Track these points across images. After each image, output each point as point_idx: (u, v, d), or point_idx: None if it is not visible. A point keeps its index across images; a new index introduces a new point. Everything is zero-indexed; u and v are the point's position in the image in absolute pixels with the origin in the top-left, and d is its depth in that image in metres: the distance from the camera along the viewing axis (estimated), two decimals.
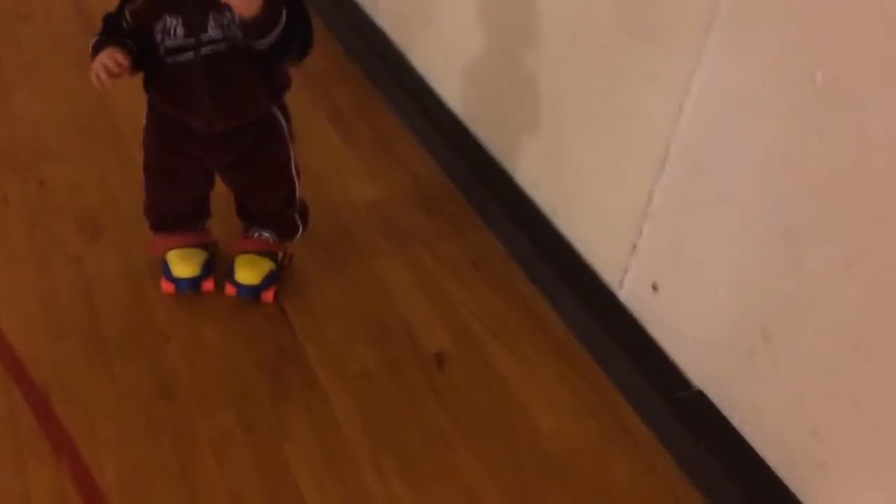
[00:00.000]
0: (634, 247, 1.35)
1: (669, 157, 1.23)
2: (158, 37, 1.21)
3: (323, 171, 1.79)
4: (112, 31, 1.23)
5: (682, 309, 1.30)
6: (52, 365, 1.37)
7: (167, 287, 1.48)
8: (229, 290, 1.49)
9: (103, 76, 1.18)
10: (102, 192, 1.68)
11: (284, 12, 1.13)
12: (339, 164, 1.85)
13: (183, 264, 1.46)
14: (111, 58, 1.17)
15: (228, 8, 1.13)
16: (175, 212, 1.46)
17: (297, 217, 1.47)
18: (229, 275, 1.49)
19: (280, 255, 1.52)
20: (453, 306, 1.55)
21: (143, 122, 1.37)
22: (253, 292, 1.48)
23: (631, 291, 1.39)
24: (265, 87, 1.29)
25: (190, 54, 1.22)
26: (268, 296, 1.49)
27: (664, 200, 1.27)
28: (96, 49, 1.21)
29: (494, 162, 1.73)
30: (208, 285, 1.49)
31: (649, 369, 1.32)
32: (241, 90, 1.26)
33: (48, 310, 1.44)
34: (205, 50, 1.21)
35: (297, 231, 1.49)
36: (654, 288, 1.33)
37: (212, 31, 1.20)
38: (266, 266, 1.48)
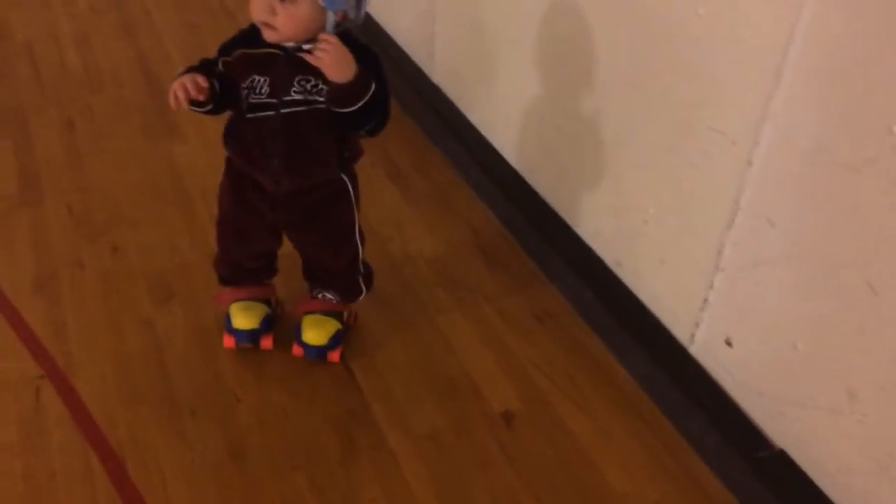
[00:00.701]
0: (706, 300, 1.33)
1: (740, 209, 1.21)
2: (244, 92, 1.26)
3: (383, 227, 1.81)
4: (202, 68, 1.26)
5: (758, 364, 1.26)
6: (126, 428, 1.39)
7: (228, 340, 1.50)
8: (297, 350, 1.50)
9: (180, 95, 1.20)
10: (172, 256, 1.73)
11: (374, 86, 1.17)
12: (399, 219, 1.86)
13: (243, 316, 1.48)
14: (192, 79, 1.20)
15: (319, 73, 1.17)
16: (242, 266, 1.50)
17: (360, 280, 1.49)
18: (296, 335, 1.50)
19: (345, 314, 1.54)
20: (519, 362, 1.54)
21: (221, 176, 1.41)
22: (320, 353, 1.49)
23: (703, 346, 1.36)
24: (336, 154, 1.31)
25: (270, 112, 1.25)
26: (334, 356, 1.50)
27: (736, 253, 1.24)
28: (181, 75, 1.24)
29: (555, 214, 1.72)
30: (267, 342, 1.51)
31: (726, 427, 1.29)
32: (312, 153, 1.29)
33: (122, 373, 1.47)
34: (285, 110, 1.25)
35: (360, 293, 1.51)
36: (728, 343, 1.30)
37: (294, 94, 1.23)
38: (332, 326, 1.49)
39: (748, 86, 1.14)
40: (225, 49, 1.27)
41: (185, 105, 1.20)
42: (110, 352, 1.51)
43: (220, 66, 1.27)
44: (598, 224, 1.60)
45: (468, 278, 1.72)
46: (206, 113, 1.27)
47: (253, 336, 1.49)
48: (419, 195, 1.95)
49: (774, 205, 1.15)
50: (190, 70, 1.25)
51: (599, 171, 1.54)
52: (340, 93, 1.18)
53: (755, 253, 1.21)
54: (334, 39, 1.15)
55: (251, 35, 1.23)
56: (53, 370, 1.47)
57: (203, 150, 2.01)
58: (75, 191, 1.89)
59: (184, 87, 1.19)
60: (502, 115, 1.87)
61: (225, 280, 1.52)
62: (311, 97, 1.23)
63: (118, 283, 1.66)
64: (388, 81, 1.24)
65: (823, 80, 1.04)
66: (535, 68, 1.68)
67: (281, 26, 1.16)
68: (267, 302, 1.52)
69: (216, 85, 1.25)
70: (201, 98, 1.21)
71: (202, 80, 1.20)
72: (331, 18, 1.16)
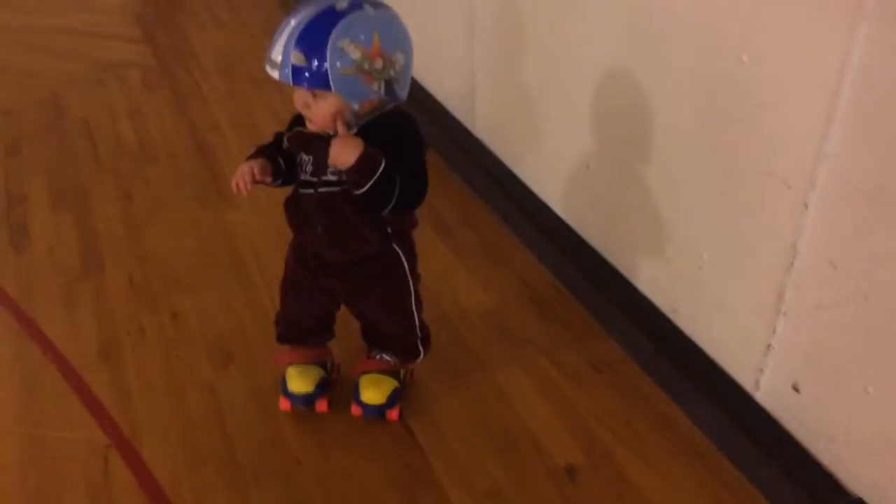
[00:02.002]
0: (769, 346, 1.30)
1: (798, 253, 1.20)
2: (298, 168, 1.32)
3: (434, 283, 1.82)
4: (266, 147, 1.34)
5: (828, 409, 1.23)
6: (192, 493, 1.40)
7: (283, 403, 1.51)
8: (355, 410, 1.51)
9: (240, 184, 1.28)
10: (229, 320, 1.76)
11: (381, 169, 1.18)
12: (449, 275, 1.88)
13: (299, 380, 1.49)
14: (249, 168, 1.28)
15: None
16: (300, 326, 1.52)
17: (418, 342, 1.50)
18: (354, 395, 1.51)
19: (402, 372, 1.54)
20: (578, 414, 1.52)
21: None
22: (378, 411, 1.49)
23: (769, 392, 1.34)
24: (376, 230, 1.32)
25: (311, 190, 1.30)
26: (393, 414, 1.50)
27: (798, 297, 1.23)
28: (247, 158, 1.32)
29: (606, 263, 1.72)
30: (322, 405, 1.51)
31: (799, 475, 1.25)
32: (351, 229, 1.31)
33: (186, 438, 1.49)
34: (322, 189, 1.29)
35: (418, 355, 1.51)
36: (796, 388, 1.27)
37: (330, 175, 1.27)
38: (390, 385, 1.50)
39: (799, 129, 1.14)
40: (290, 124, 1.33)
41: (243, 192, 1.28)
42: (173, 417, 1.53)
43: (284, 141, 1.32)
44: (651, 271, 1.59)
45: (522, 331, 1.71)
46: (274, 186, 1.34)
47: (308, 399, 1.50)
48: (469, 249, 1.97)
49: (835, 247, 1.14)
50: (260, 148, 1.33)
51: (649, 219, 1.54)
52: (347, 176, 1.21)
53: (818, 296, 1.19)
54: (341, 134, 1.19)
55: None
56: (119, 438, 1.49)
57: (254, 215, 2.06)
58: (134, 260, 1.95)
59: (241, 175, 1.27)
60: (547, 167, 1.89)
61: (282, 338, 1.54)
62: (343, 178, 1.26)
63: (179, 349, 1.69)
64: (418, 158, 1.25)
65: (878, 118, 1.04)
66: (578, 120, 1.70)
67: (315, 118, 1.21)
68: (323, 365, 1.54)
69: (282, 163, 1.32)
70: (265, 180, 1.30)
71: (258, 171, 1.28)
72: (355, 108, 1.20)
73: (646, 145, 1.49)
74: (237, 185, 1.28)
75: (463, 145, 2.20)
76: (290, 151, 1.33)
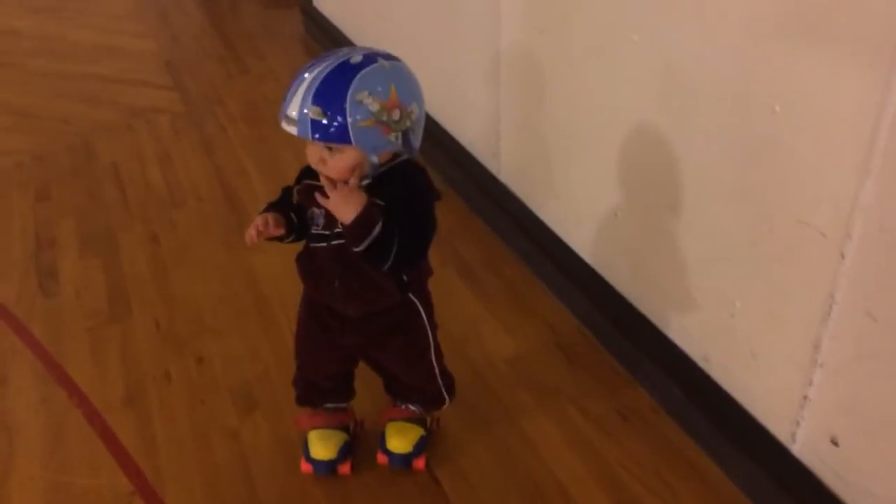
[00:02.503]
0: (805, 398, 1.27)
1: (835, 303, 1.18)
2: (309, 221, 1.31)
3: (458, 328, 1.81)
4: (279, 201, 1.34)
5: (869, 463, 1.20)
6: None
7: (305, 467, 1.48)
8: (381, 459, 1.49)
9: (252, 233, 1.28)
10: (255, 366, 1.76)
11: (380, 225, 1.17)
12: (474, 320, 1.86)
13: (321, 446, 1.46)
14: (264, 219, 1.28)
15: None
16: (318, 386, 1.49)
17: (442, 390, 1.48)
18: (380, 444, 1.49)
19: (428, 419, 1.52)
20: (607, 464, 1.49)
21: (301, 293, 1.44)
22: (405, 461, 1.47)
23: (806, 445, 1.30)
24: (393, 279, 1.30)
25: (323, 244, 1.29)
26: (419, 463, 1.48)
27: (835, 349, 1.20)
28: (260, 213, 1.32)
29: (634, 310, 1.70)
30: (345, 469, 1.48)
31: None
32: (367, 281, 1.29)
33: (210, 486, 1.48)
34: (335, 242, 1.27)
35: (443, 403, 1.49)
36: (834, 442, 1.24)
37: (341, 227, 1.24)
38: (416, 433, 1.48)
39: (834, 178, 1.13)
40: (298, 178, 1.33)
41: (255, 241, 1.28)
42: (198, 464, 1.52)
43: (295, 195, 1.32)
44: (681, 319, 1.57)
45: (548, 378, 1.69)
46: (287, 242, 1.34)
47: (330, 466, 1.47)
48: (493, 294, 1.96)
49: (873, 297, 1.12)
50: (270, 205, 1.33)
51: (679, 266, 1.53)
52: (345, 230, 1.20)
53: (857, 347, 1.16)
54: (343, 183, 1.18)
55: None
56: (143, 485, 1.48)
57: (280, 259, 2.05)
58: (161, 304, 1.96)
59: (255, 227, 1.28)
60: (573, 213, 1.89)
61: (301, 400, 1.51)
62: None
63: (204, 395, 1.68)
64: (424, 215, 1.24)
65: None
66: (605, 166, 1.69)
67: (331, 172, 1.19)
68: (345, 429, 1.51)
69: (294, 218, 1.31)
70: (279, 233, 1.30)
71: (272, 223, 1.28)
72: (373, 161, 1.20)
73: (675, 193, 1.49)
74: (250, 234, 1.28)
75: (487, 189, 2.20)
76: (300, 206, 1.32)
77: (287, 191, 1.35)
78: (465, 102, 2.23)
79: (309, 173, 1.28)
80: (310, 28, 3.67)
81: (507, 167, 2.18)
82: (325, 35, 3.43)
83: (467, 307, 1.90)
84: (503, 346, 1.79)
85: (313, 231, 1.30)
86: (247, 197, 2.41)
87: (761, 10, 1.20)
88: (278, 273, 2.02)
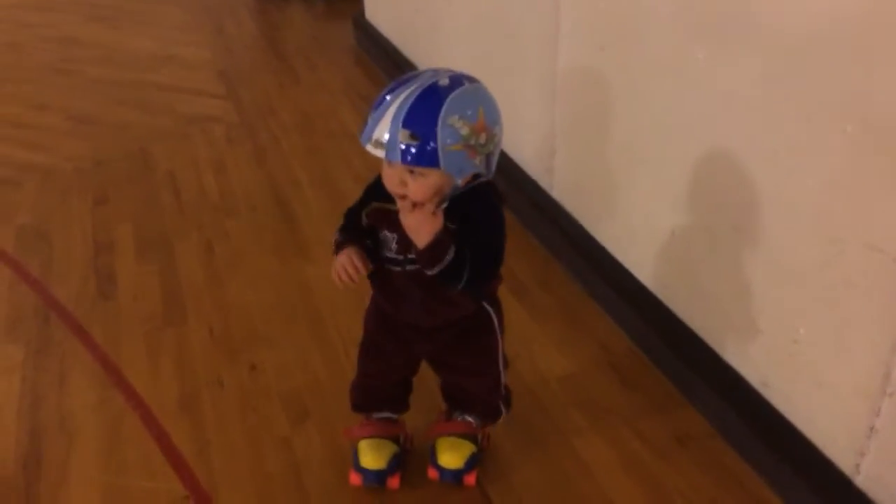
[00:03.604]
0: (872, 428, 1.24)
1: None
2: (381, 243, 1.30)
3: (510, 345, 1.77)
4: (351, 228, 1.32)
5: None
6: None
7: (354, 478, 1.48)
8: (432, 474, 1.48)
9: (344, 277, 1.27)
10: (306, 375, 1.77)
11: (452, 251, 1.17)
12: (527, 338, 1.85)
13: (372, 455, 1.46)
14: (350, 262, 1.26)
15: None
16: (378, 393, 1.50)
17: (501, 403, 1.47)
18: (431, 458, 1.49)
19: (480, 436, 1.51)
20: (662, 488, 1.47)
21: (368, 301, 1.44)
22: (456, 476, 1.46)
23: (872, 478, 1.26)
24: (468, 295, 1.31)
25: (398, 268, 1.29)
26: (470, 479, 1.47)
27: None
28: (338, 246, 1.30)
29: (691, 332, 1.68)
30: (394, 482, 1.47)
31: None
32: (443, 299, 1.30)
33: (263, 494, 1.49)
34: (410, 267, 1.27)
35: (500, 416, 1.49)
36: None
37: (414, 253, 1.23)
38: (468, 449, 1.47)
39: None
40: (365, 199, 1.31)
41: (349, 286, 1.28)
42: (251, 472, 1.53)
43: (364, 218, 1.31)
44: (740, 343, 1.54)
45: (602, 398, 1.67)
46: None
47: (380, 476, 1.47)
48: (545, 311, 1.94)
49: None
50: (342, 232, 1.31)
51: (740, 288, 1.50)
52: (418, 254, 1.19)
53: None
54: (423, 205, 1.16)
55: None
56: (198, 491, 1.50)
57: (331, 270, 2.08)
58: (215, 311, 1.98)
59: (345, 271, 1.27)
60: (628, 231, 1.87)
61: (357, 406, 1.52)
62: None
63: (256, 402, 1.70)
64: (496, 237, 1.23)
65: None
66: (664, 185, 1.68)
67: (413, 195, 1.17)
68: (396, 440, 1.50)
69: (371, 246, 1.30)
70: (368, 270, 1.29)
71: (360, 263, 1.26)
72: (458, 184, 1.19)
73: (739, 213, 1.46)
74: (341, 278, 1.27)
75: (540, 206, 2.19)
76: (370, 228, 1.31)
77: (352, 214, 1.33)
78: (519, 117, 2.22)
79: (377, 194, 1.27)
80: (361, 40, 3.71)
81: (560, 184, 2.17)
82: (377, 47, 3.47)
83: (520, 325, 1.89)
84: (555, 365, 1.77)
85: (385, 255, 1.30)
86: (299, 207, 2.43)
87: (832, 26, 1.18)
88: (329, 284, 1.99)
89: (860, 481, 1.29)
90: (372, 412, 1.51)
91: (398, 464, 1.49)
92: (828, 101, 1.22)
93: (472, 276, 1.20)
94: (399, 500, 1.47)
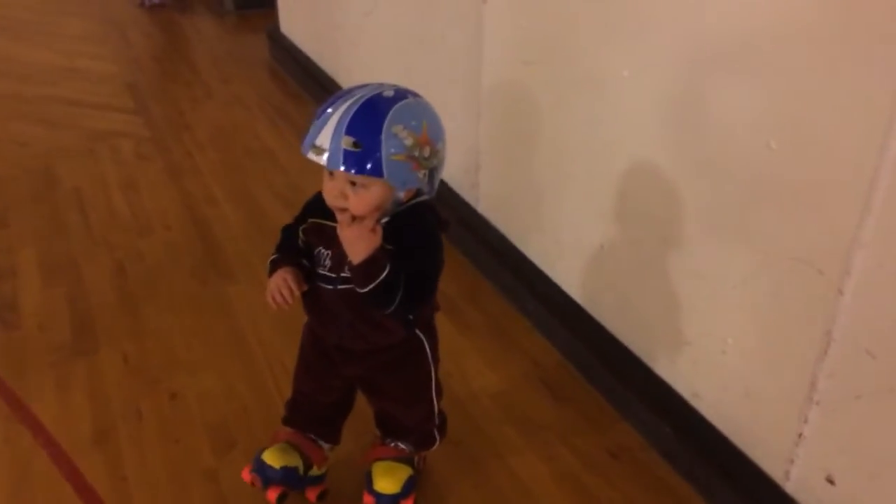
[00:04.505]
0: (800, 435, 1.27)
1: (833, 340, 1.18)
2: (315, 260, 1.27)
3: (442, 363, 1.75)
4: (287, 247, 1.29)
5: (867, 502, 1.19)
6: None
7: (245, 475, 1.40)
8: (368, 500, 1.43)
9: (278, 299, 1.23)
10: (231, 402, 1.69)
11: (387, 270, 1.14)
12: (456, 354, 1.83)
13: (273, 454, 1.36)
14: (285, 283, 1.23)
15: None
16: (307, 412, 1.44)
17: (435, 431, 1.44)
18: (367, 484, 1.44)
19: (416, 459, 1.48)
20: (597, 502, 1.47)
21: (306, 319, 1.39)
22: (393, 501, 1.42)
23: (801, 484, 1.30)
24: (401, 320, 1.27)
25: (330, 287, 1.25)
26: None
27: (832, 386, 1.20)
28: (272, 266, 1.26)
29: (621, 345, 1.69)
30: (271, 495, 1.39)
31: None
32: (373, 323, 1.27)
33: None
34: (341, 286, 1.23)
35: (434, 443, 1.46)
36: (830, 480, 1.24)
37: (348, 271, 1.20)
38: (404, 472, 1.43)
39: (833, 216, 1.14)
40: (303, 214, 1.29)
41: (283, 307, 1.24)
42: None
43: (301, 234, 1.28)
44: (669, 355, 1.56)
45: (535, 414, 1.67)
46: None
47: (267, 476, 1.36)
48: (474, 328, 1.93)
49: (873, 335, 1.12)
50: (279, 259, 1.27)
51: (668, 301, 1.52)
52: (352, 270, 1.17)
53: (855, 385, 1.17)
54: (363, 220, 1.14)
55: (324, 202, 1.20)
56: None
57: (254, 290, 2.01)
58: (129, 337, 1.87)
59: (279, 292, 1.23)
60: (556, 246, 1.88)
61: (287, 420, 1.45)
62: None
63: (178, 433, 1.61)
64: (433, 261, 1.22)
65: None
66: (592, 199, 1.69)
67: (353, 209, 1.15)
68: (307, 462, 1.40)
69: (307, 266, 1.27)
70: (303, 289, 1.26)
71: (294, 285, 1.24)
72: (399, 197, 1.17)
73: (666, 226, 1.49)
74: (275, 300, 1.24)
75: (466, 221, 2.18)
76: (306, 245, 1.28)
77: (289, 232, 1.30)
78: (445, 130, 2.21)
79: (315, 210, 1.24)
80: (276, 54, 3.63)
81: (486, 199, 2.16)
82: (293, 61, 3.40)
83: (450, 341, 1.83)
84: (487, 382, 1.76)
85: (319, 272, 1.26)
86: (217, 225, 2.34)
87: (753, 42, 1.22)
88: (253, 305, 1.97)
89: (789, 487, 1.32)
90: (300, 430, 1.44)
91: (290, 480, 1.38)
92: (751, 116, 1.25)
93: (403, 300, 1.17)
94: None
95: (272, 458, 1.37)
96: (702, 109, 1.35)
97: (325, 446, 1.45)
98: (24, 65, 3.64)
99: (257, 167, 2.69)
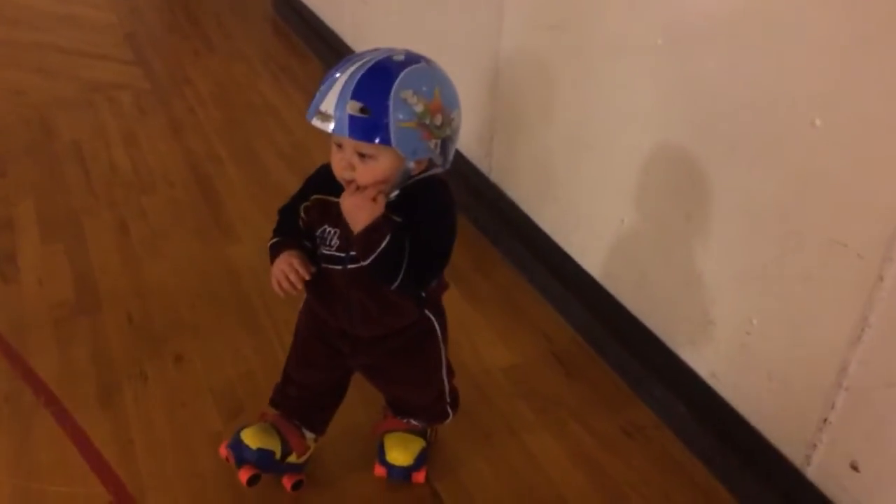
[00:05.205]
0: (825, 420, 1.25)
1: (869, 326, 1.15)
2: (318, 240, 1.21)
3: (452, 333, 1.73)
4: (288, 229, 1.23)
5: (893, 492, 1.18)
6: None
7: (222, 450, 1.35)
8: (379, 471, 1.41)
9: (285, 285, 1.18)
10: (238, 366, 1.65)
11: (388, 239, 1.09)
12: (466, 325, 1.80)
13: (252, 432, 1.31)
14: (292, 268, 1.17)
15: None
16: (299, 399, 1.38)
17: (447, 408, 1.41)
18: (379, 455, 1.41)
19: (428, 431, 1.45)
20: (612, 481, 1.45)
21: (302, 304, 1.34)
22: (405, 473, 1.40)
23: (823, 469, 1.28)
24: (413, 299, 1.23)
25: (338, 267, 1.20)
26: (419, 476, 1.41)
27: (865, 373, 1.18)
28: (274, 250, 1.21)
29: (637, 322, 1.66)
30: (243, 475, 1.32)
31: None
32: (387, 304, 1.22)
33: (195, 496, 1.38)
34: (351, 265, 1.18)
35: (446, 419, 1.42)
36: (854, 467, 1.22)
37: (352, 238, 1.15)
38: (417, 445, 1.41)
39: (878, 197, 1.11)
40: (304, 192, 1.23)
41: (292, 294, 1.19)
42: (181, 473, 1.42)
43: (302, 213, 1.22)
44: (689, 334, 1.53)
45: (548, 389, 1.64)
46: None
47: (238, 450, 1.30)
48: (484, 299, 1.89)
49: None
50: (280, 243, 1.21)
51: (691, 279, 1.49)
52: (354, 240, 1.12)
53: (889, 373, 1.14)
54: (365, 189, 1.09)
55: (329, 178, 1.16)
56: (123, 494, 1.37)
57: (259, 251, 1.89)
58: (133, 296, 1.83)
59: (286, 278, 1.17)
60: (572, 217, 1.84)
61: (275, 402, 1.40)
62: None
63: (184, 396, 1.57)
64: (444, 238, 1.16)
65: None
66: (613, 170, 1.65)
67: (359, 179, 1.10)
68: (286, 448, 1.34)
69: (309, 248, 1.22)
70: (311, 273, 1.20)
71: (301, 269, 1.18)
72: (410, 167, 1.11)
73: (693, 201, 1.45)
74: (281, 287, 1.18)
75: (477, 189, 2.14)
76: (307, 226, 1.22)
77: (288, 212, 1.24)
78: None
79: (318, 186, 1.19)
80: (280, 8, 3.53)
81: (499, 167, 2.11)
82: (298, 16, 3.31)
83: (459, 312, 1.82)
84: (498, 354, 1.73)
85: (324, 251, 1.20)
86: (221, 184, 2.28)
87: (800, 11, 1.17)
88: (258, 266, 1.91)
89: (811, 473, 1.31)
90: (285, 415, 1.38)
91: (264, 463, 1.31)
92: (796, 92, 1.20)
93: (410, 273, 1.11)
94: (345, 497, 1.39)
95: (250, 438, 1.31)
96: (740, 83, 1.30)
97: (309, 436, 1.38)
98: (17, 8, 3.52)
99: (260, 125, 2.62)
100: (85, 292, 1.84)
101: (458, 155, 2.19)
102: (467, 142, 2.20)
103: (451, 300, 1.85)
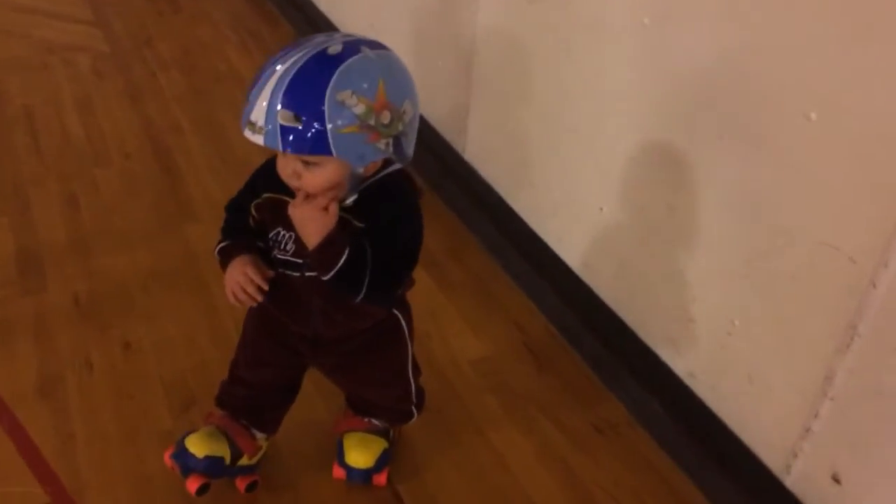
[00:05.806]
0: (808, 430, 1.19)
1: (858, 335, 1.09)
2: (271, 243, 1.11)
3: (419, 322, 1.61)
4: (238, 229, 1.14)
5: None
6: None
7: (166, 459, 1.25)
8: (338, 473, 1.33)
9: (241, 296, 1.09)
10: (191, 353, 1.56)
11: (347, 253, 1.00)
12: (436, 313, 1.72)
13: (198, 438, 1.22)
14: (247, 278, 1.09)
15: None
16: (248, 398, 1.28)
17: (412, 408, 1.33)
18: (338, 457, 1.33)
19: (391, 431, 1.38)
20: (581, 481, 1.39)
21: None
22: (365, 476, 1.32)
23: (803, 479, 1.22)
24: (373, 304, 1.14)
25: (296, 273, 1.10)
26: (381, 479, 1.33)
27: (852, 382, 1.12)
28: (224, 255, 1.12)
29: (613, 315, 1.59)
30: (191, 485, 1.23)
31: None
32: (350, 310, 1.13)
33: (140, 497, 1.29)
34: (309, 273, 1.08)
35: (410, 419, 1.35)
36: (836, 479, 1.16)
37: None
38: (379, 446, 1.33)
39: (876, 199, 1.03)
40: (253, 187, 1.12)
41: (253, 304, 1.11)
42: (125, 471, 1.33)
43: (253, 211, 1.12)
44: (667, 330, 1.47)
45: (518, 383, 1.57)
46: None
47: (184, 460, 1.21)
48: (455, 285, 1.81)
49: None
50: (229, 246, 1.13)
51: (672, 273, 1.42)
52: (309, 257, 1.03)
53: (878, 383, 1.08)
54: (314, 199, 1.00)
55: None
56: (61, 494, 1.28)
57: (218, 231, 1.86)
58: (81, 277, 1.72)
59: (242, 289, 1.09)
60: (549, 203, 1.75)
61: (220, 402, 1.30)
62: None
63: (132, 387, 1.48)
64: (408, 240, 1.08)
65: None
66: (593, 155, 1.57)
67: (307, 187, 1.00)
68: (236, 451, 1.25)
69: (262, 248, 1.13)
70: (268, 278, 1.11)
71: (258, 278, 1.09)
72: (359, 172, 1.01)
73: (677, 192, 1.37)
74: (237, 298, 1.10)
75: (451, 168, 2.04)
76: (260, 224, 1.12)
77: (237, 209, 1.14)
78: (431, 69, 2.05)
79: (269, 183, 1.07)
80: None
81: (473, 146, 2.02)
82: None
83: (429, 299, 1.75)
84: (467, 345, 1.65)
85: (279, 257, 1.11)
86: (181, 157, 2.17)
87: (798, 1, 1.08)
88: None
89: (790, 482, 1.25)
90: (233, 415, 1.28)
91: (220, 470, 1.24)
92: (792, 83, 1.12)
93: (375, 284, 1.03)
94: (301, 500, 1.32)
95: (195, 446, 1.22)
96: (731, 70, 1.22)
97: (260, 436, 1.30)
98: None
99: (225, 94, 2.50)
100: (29, 271, 1.73)
101: (431, 131, 2.12)
102: (440, 116, 2.10)
103: (421, 287, 1.75)
